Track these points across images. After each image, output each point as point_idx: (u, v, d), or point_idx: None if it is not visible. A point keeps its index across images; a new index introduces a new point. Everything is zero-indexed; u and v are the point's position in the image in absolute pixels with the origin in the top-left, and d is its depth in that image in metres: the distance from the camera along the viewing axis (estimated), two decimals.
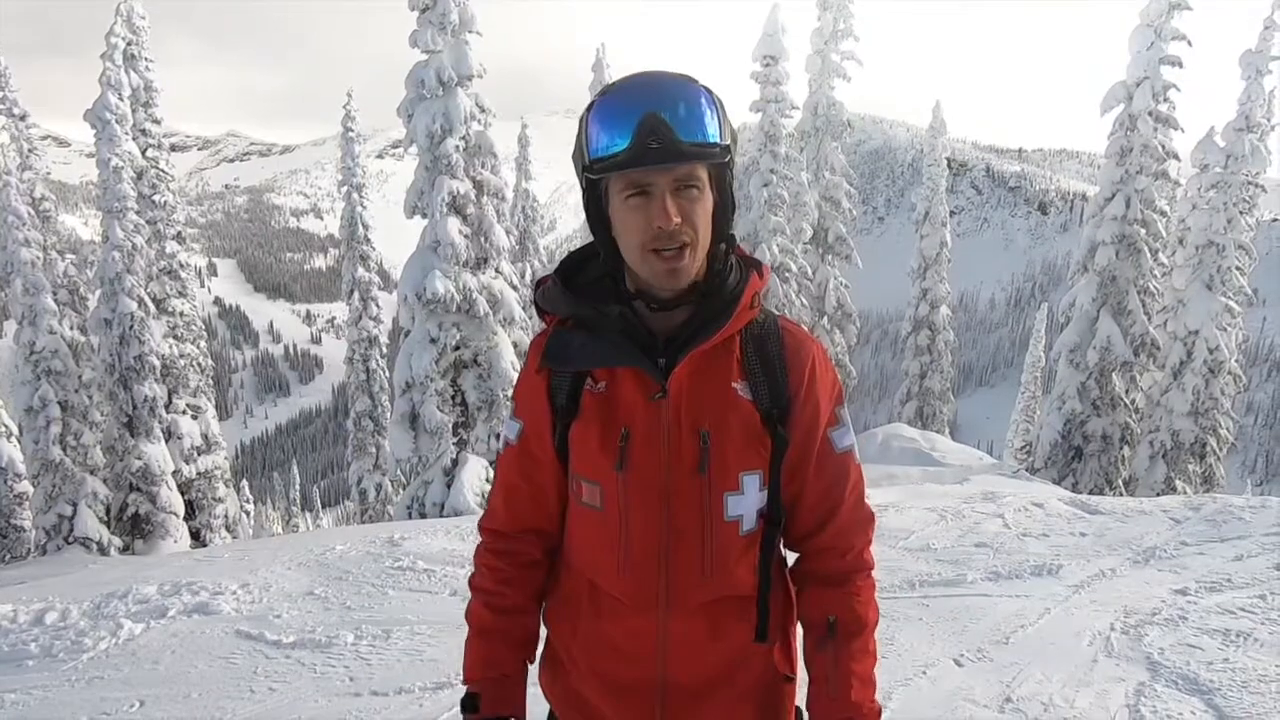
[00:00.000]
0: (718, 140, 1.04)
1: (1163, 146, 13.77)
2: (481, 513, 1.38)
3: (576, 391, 1.17)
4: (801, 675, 1.27)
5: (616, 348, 1.12)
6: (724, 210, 1.11)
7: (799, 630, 1.27)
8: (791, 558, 1.30)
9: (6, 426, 12.48)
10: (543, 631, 1.32)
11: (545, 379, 1.19)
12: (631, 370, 1.13)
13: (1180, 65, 13.55)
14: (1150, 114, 13.60)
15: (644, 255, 1.07)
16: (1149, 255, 13.88)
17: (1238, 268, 13.97)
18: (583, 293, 1.17)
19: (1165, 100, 13.73)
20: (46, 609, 4.23)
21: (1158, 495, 11.95)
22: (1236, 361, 14.16)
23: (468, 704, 1.25)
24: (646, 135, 1.00)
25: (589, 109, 1.07)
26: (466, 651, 1.28)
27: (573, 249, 1.27)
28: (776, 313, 1.23)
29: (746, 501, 1.15)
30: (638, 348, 1.12)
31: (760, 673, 1.22)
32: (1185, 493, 13.26)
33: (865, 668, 1.20)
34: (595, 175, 1.07)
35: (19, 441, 12.53)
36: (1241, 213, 13.87)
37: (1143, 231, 13.80)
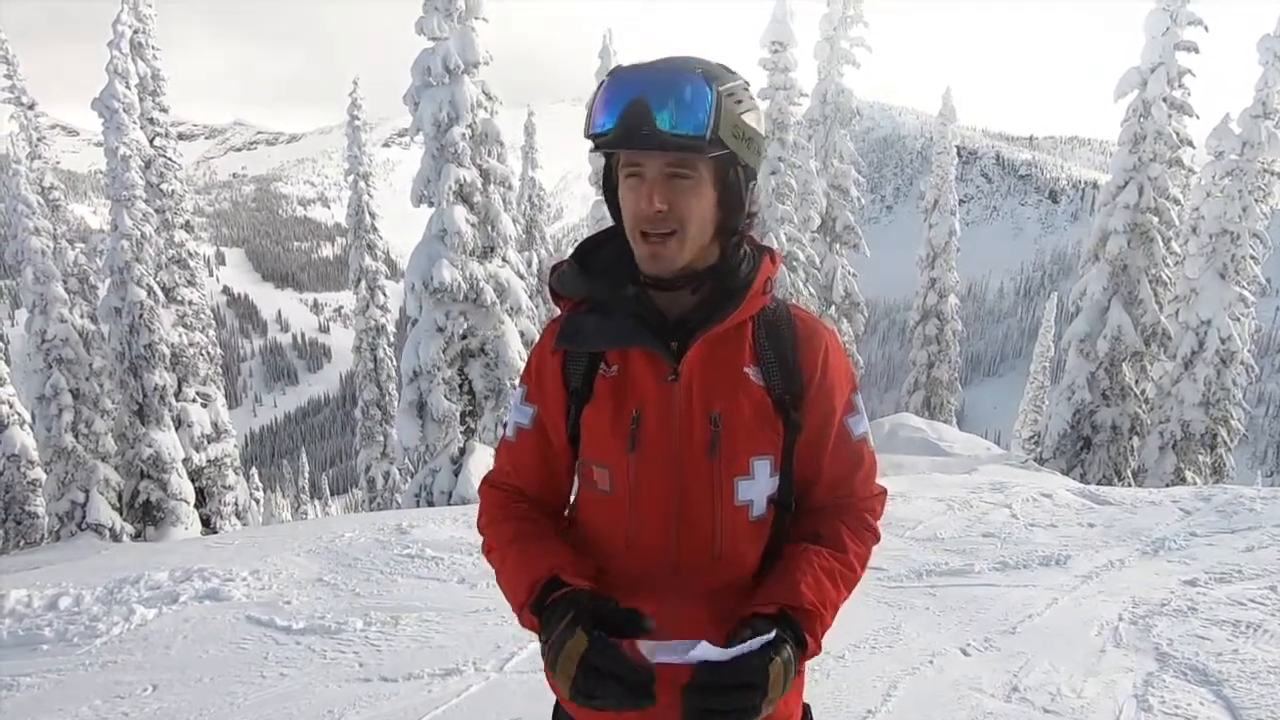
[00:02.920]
0: (704, 134, 1.03)
1: (1177, 133, 13.58)
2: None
3: (591, 375, 1.18)
4: (810, 665, 1.23)
5: (630, 329, 1.13)
6: (726, 205, 1.11)
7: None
8: None
9: (19, 414, 12.60)
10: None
11: (560, 362, 1.20)
12: (644, 352, 1.14)
13: (1196, 51, 13.34)
14: (1165, 100, 13.41)
15: (635, 236, 1.10)
16: (1161, 244, 13.72)
17: (1252, 256, 13.80)
18: (597, 275, 1.18)
19: (1180, 86, 13.53)
20: (60, 594, 4.27)
21: (1167, 486, 11.88)
22: (1249, 351, 14.03)
23: (550, 588, 1.09)
24: (631, 120, 1.03)
25: (598, 87, 1.10)
26: (512, 571, 1.16)
27: (579, 237, 1.28)
28: (788, 300, 1.25)
29: (757, 486, 1.15)
30: (650, 330, 1.13)
31: None
32: (1195, 483, 13.19)
33: (829, 574, 1.12)
34: (593, 151, 1.11)
35: (31, 429, 12.65)
36: (1256, 201, 13.68)
37: (1155, 220, 13.64)
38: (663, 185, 1.06)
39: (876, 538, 1.24)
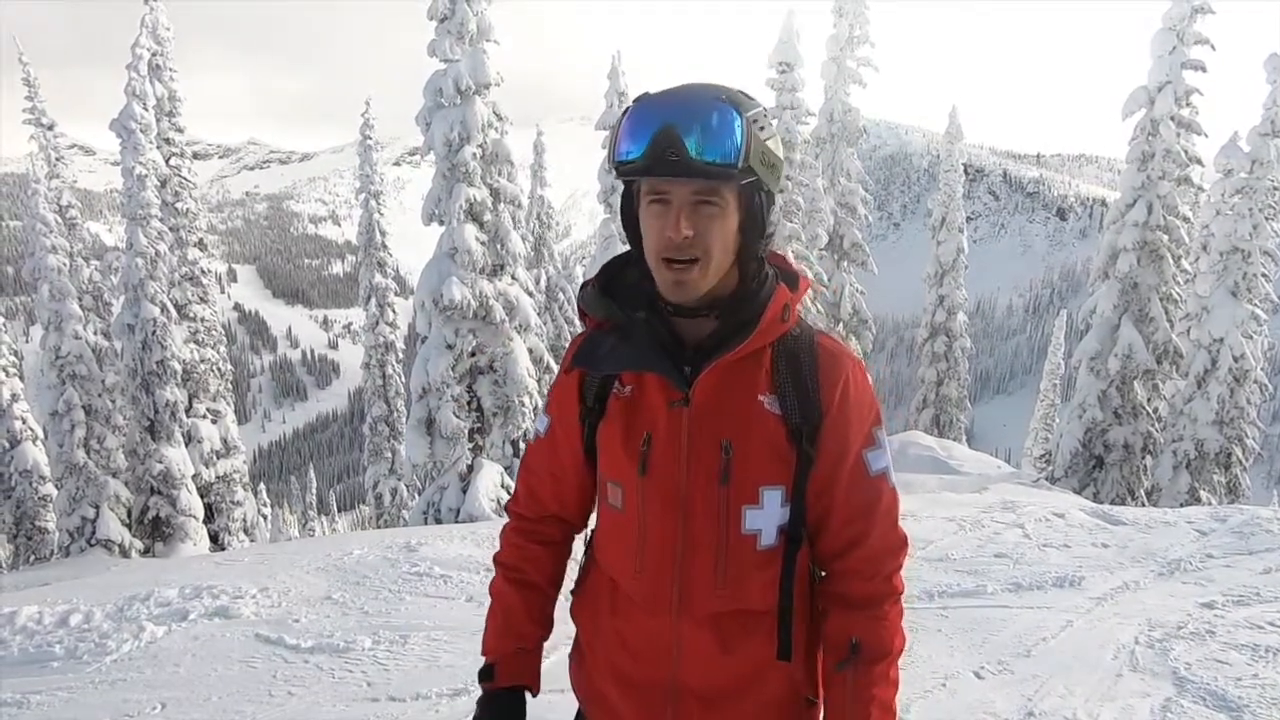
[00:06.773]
0: (735, 161, 1.03)
1: (1185, 152, 13.57)
2: (498, 518, 1.41)
3: (604, 393, 1.20)
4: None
5: (643, 353, 1.14)
6: (750, 231, 1.11)
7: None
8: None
9: (32, 430, 12.72)
10: (572, 629, 1.35)
11: (577, 379, 1.23)
12: (657, 376, 1.15)
13: (1203, 69, 13.35)
14: (1172, 119, 13.41)
15: (658, 263, 1.09)
16: (1171, 262, 13.66)
17: (1263, 274, 13.73)
18: (619, 296, 1.19)
19: (1188, 105, 13.52)
20: (71, 611, 4.28)
21: (1182, 506, 11.74)
22: (1262, 370, 13.90)
23: (485, 674, 1.31)
24: (661, 147, 1.02)
25: (623, 114, 1.10)
26: (488, 625, 1.34)
27: (587, 254, 1.29)
28: (816, 328, 1.22)
29: (766, 516, 1.14)
30: (664, 354, 1.13)
31: (779, 692, 1.20)
32: (1210, 503, 13.02)
33: (886, 694, 1.18)
34: (618, 178, 1.12)
35: (44, 445, 12.75)
36: (1267, 218, 13.64)
37: (1165, 238, 13.59)
38: (690, 212, 1.05)
39: (901, 612, 1.22)
